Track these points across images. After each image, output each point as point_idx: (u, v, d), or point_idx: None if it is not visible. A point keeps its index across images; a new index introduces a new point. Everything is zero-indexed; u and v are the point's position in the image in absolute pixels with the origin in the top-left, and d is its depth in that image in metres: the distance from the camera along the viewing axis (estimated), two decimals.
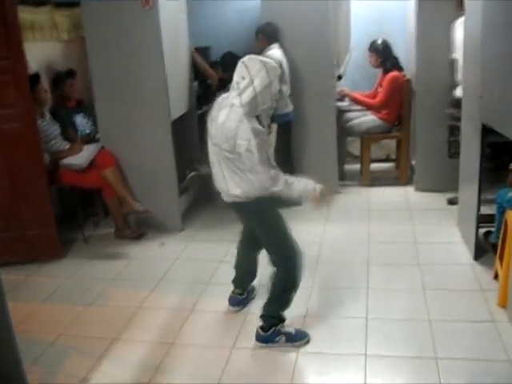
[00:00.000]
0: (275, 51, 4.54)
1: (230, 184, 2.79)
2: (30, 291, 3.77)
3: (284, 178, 2.72)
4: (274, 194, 2.73)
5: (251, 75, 2.65)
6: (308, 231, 4.36)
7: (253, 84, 2.65)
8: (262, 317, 2.94)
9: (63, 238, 4.32)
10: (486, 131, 3.32)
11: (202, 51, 4.98)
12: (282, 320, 2.95)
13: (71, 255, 4.29)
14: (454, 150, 4.30)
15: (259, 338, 2.93)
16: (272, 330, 2.90)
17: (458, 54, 4.21)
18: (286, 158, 4.77)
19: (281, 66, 4.47)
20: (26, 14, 4.35)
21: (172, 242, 4.40)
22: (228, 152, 2.71)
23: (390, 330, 2.99)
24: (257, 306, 3.15)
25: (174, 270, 3.92)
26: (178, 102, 4.55)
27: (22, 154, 3.92)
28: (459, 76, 4.27)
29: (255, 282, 3.41)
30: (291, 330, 2.96)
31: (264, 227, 2.93)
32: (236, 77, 2.73)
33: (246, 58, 2.73)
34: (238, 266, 3.32)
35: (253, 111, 2.68)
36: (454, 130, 4.35)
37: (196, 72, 4.95)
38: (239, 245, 3.30)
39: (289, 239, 2.88)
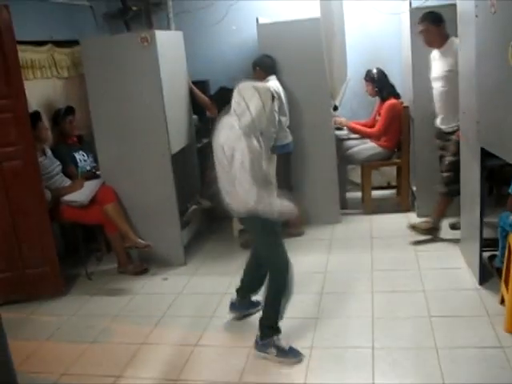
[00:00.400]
0: (273, 83, 4.58)
1: (238, 196, 2.94)
2: (32, 329, 3.74)
3: (268, 199, 2.91)
4: (255, 211, 2.90)
5: (246, 101, 2.85)
6: (311, 261, 4.36)
7: (249, 109, 2.84)
8: (259, 325, 3.12)
9: (66, 274, 4.31)
10: (485, 155, 3.33)
11: (199, 85, 5.03)
12: (277, 331, 3.08)
13: (74, 292, 4.27)
14: (452, 188, 4.27)
15: (256, 345, 3.11)
16: (267, 341, 3.05)
17: (435, 85, 4.31)
18: (286, 188, 4.77)
19: (279, 97, 4.51)
20: (26, 54, 4.43)
21: (175, 276, 4.38)
22: (228, 167, 2.91)
23: (396, 358, 2.95)
24: None
25: (178, 305, 3.89)
26: (178, 136, 4.58)
27: (23, 192, 3.93)
28: (437, 107, 4.37)
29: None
30: (285, 345, 3.05)
31: (260, 238, 3.17)
32: (233, 103, 2.92)
33: (240, 85, 2.93)
34: (244, 274, 3.51)
35: (251, 132, 2.89)
36: (445, 163, 4.36)
37: (195, 105, 4.99)
38: (249, 258, 3.48)
39: (281, 255, 3.09)
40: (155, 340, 3.44)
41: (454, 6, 3.91)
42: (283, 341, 3.07)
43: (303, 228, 5.00)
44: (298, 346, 3.09)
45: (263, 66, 4.72)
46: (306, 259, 4.41)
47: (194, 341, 3.35)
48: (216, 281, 4.17)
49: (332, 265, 4.28)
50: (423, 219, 4.68)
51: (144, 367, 3.14)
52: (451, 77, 4.07)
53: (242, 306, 3.56)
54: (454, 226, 4.59)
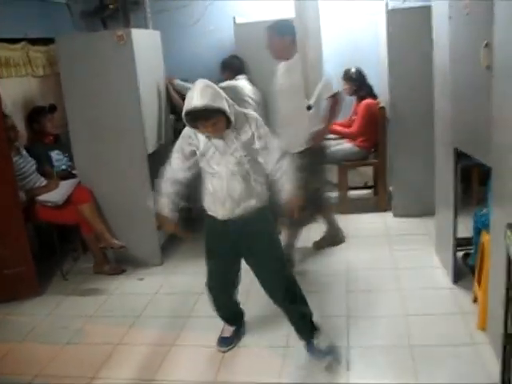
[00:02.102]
0: (241, 82, 4.62)
1: (247, 194, 2.83)
2: (6, 330, 3.69)
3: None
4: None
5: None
6: None
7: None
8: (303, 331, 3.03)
9: (41, 274, 4.25)
10: (459, 155, 3.37)
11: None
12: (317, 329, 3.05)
13: (50, 292, 4.23)
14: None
15: (311, 351, 3.00)
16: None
17: (280, 99, 4.19)
18: None
19: (246, 95, 4.59)
20: (0, 51, 4.37)
21: (151, 276, 4.35)
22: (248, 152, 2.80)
23: (371, 357, 2.97)
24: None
25: (154, 305, 3.87)
26: (155, 136, 4.56)
27: None
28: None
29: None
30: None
31: (272, 235, 3.01)
32: None
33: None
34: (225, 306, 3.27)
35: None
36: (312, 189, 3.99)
37: (173, 105, 4.97)
38: (216, 288, 3.16)
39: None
40: (131, 340, 3.42)
41: (429, 8, 3.95)
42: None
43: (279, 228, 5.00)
44: (271, 347, 3.10)
45: (231, 67, 4.83)
46: None
47: (170, 341, 3.34)
48: (192, 280, 4.14)
49: (307, 264, 4.30)
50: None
51: (119, 368, 3.12)
52: (293, 93, 3.93)
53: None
54: (318, 245, 4.57)
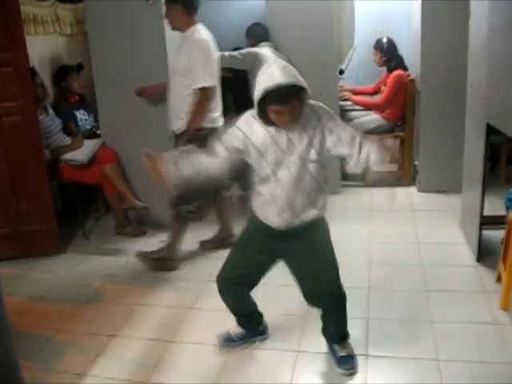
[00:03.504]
0: (263, 49, 4.54)
1: (310, 200, 2.49)
2: (28, 286, 3.74)
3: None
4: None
5: None
6: None
7: None
8: (338, 343, 2.74)
9: (63, 233, 4.29)
10: (489, 131, 3.29)
11: None
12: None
13: (71, 250, 4.27)
14: (183, 209, 3.74)
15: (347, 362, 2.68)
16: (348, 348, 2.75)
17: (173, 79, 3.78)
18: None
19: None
20: (28, 7, 4.34)
21: None
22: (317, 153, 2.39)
23: (390, 330, 2.96)
24: None
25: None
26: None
27: (22, 148, 3.89)
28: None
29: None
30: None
31: (328, 244, 2.65)
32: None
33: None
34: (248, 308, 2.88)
35: None
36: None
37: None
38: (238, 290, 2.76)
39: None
40: (150, 301, 3.44)
41: None
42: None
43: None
44: (292, 317, 3.09)
45: (253, 35, 4.74)
46: None
47: (189, 304, 3.36)
48: None
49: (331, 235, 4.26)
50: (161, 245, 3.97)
51: (138, 328, 3.15)
52: (185, 75, 3.58)
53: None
54: (204, 246, 4.19)
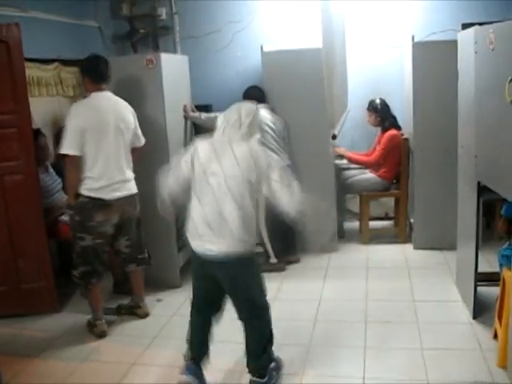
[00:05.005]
0: (262, 111, 4.66)
1: (239, 228, 2.75)
2: (24, 345, 3.72)
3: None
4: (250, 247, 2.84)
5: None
6: (306, 289, 4.37)
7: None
8: (255, 371, 2.95)
9: (61, 291, 4.29)
10: (481, 189, 3.36)
11: (203, 109, 5.08)
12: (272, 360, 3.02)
13: (68, 309, 4.26)
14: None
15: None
16: (268, 375, 2.95)
17: None
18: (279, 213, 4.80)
19: (266, 124, 4.62)
20: (33, 71, 4.49)
21: (169, 297, 4.37)
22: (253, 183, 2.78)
23: None
24: None
25: (171, 327, 3.88)
26: None
27: (22, 207, 3.96)
28: None
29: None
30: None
31: (254, 276, 2.94)
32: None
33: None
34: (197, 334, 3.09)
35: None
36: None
37: (197, 128, 5.03)
38: (196, 316, 3.08)
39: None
40: (146, 361, 3.42)
41: (454, 42, 3.98)
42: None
43: (299, 255, 5.01)
44: (288, 372, 3.08)
45: (251, 97, 4.81)
46: (301, 286, 4.43)
47: None
48: None
49: (327, 293, 4.28)
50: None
51: None
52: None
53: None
54: (118, 311, 4.16)
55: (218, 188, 2.75)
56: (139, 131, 3.92)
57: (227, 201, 2.74)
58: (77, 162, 3.59)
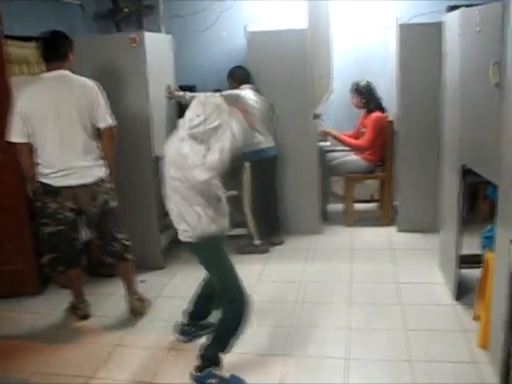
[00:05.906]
0: (244, 92, 4.64)
1: (186, 219, 2.87)
2: (5, 327, 3.70)
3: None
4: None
5: (206, 114, 2.78)
6: (290, 270, 4.38)
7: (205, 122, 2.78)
8: (200, 356, 2.91)
9: (43, 273, 4.25)
10: (465, 172, 3.37)
11: (187, 89, 5.02)
12: (218, 363, 2.89)
13: (51, 291, 4.23)
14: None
15: (193, 378, 2.90)
16: (206, 372, 2.87)
17: None
18: (264, 195, 4.81)
19: (250, 104, 4.55)
20: (13, 48, 4.40)
21: (153, 278, 4.36)
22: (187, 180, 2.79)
23: (370, 370, 2.96)
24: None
25: (154, 308, 3.87)
26: (162, 139, 4.55)
27: (4, 187, 3.92)
28: None
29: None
30: (226, 375, 2.90)
31: (213, 264, 3.02)
32: (191, 113, 2.84)
33: (202, 97, 2.85)
34: (198, 300, 3.38)
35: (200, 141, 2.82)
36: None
37: (181, 109, 4.98)
38: (202, 286, 3.37)
39: (236, 281, 2.94)
40: (129, 343, 3.42)
41: (439, 24, 3.97)
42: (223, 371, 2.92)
43: (283, 237, 5.02)
44: (271, 353, 3.09)
45: (235, 77, 4.85)
46: (284, 268, 4.44)
47: (167, 345, 3.34)
48: (194, 285, 4.14)
49: (311, 275, 4.29)
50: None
51: (117, 369, 3.11)
52: None
53: (190, 331, 3.38)
54: (73, 309, 3.89)
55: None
56: (103, 111, 3.55)
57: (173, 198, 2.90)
58: (26, 148, 3.44)
